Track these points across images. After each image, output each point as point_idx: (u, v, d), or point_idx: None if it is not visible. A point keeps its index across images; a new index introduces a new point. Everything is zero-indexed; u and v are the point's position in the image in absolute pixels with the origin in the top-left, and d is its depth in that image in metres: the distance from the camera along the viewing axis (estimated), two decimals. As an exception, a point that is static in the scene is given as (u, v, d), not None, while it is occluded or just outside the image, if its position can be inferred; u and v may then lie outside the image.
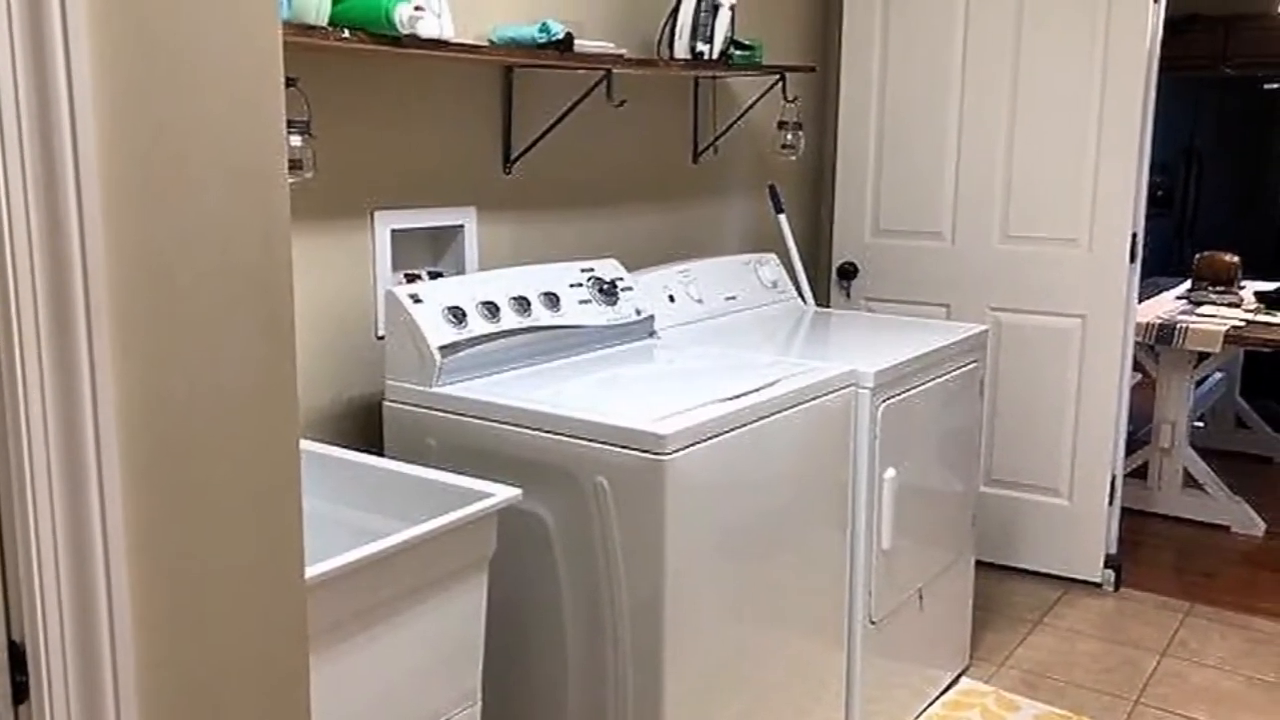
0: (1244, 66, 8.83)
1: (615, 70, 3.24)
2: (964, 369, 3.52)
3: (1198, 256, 5.85)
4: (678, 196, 4.07)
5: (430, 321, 2.78)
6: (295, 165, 2.54)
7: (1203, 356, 5.27)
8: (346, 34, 2.54)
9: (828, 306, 4.72)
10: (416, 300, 2.79)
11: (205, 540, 1.42)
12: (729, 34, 3.64)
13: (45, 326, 1.24)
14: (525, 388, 2.78)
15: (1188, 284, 5.90)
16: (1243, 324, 5.07)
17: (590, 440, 2.52)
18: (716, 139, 4.16)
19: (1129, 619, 4.29)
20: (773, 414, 2.74)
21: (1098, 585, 4.53)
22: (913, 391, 3.24)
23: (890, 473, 3.15)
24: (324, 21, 2.51)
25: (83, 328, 1.26)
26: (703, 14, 3.57)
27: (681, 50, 3.59)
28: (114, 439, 1.31)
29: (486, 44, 3.08)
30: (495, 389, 2.76)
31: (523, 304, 2.98)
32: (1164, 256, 8.32)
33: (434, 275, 3.15)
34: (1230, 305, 5.46)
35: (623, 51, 3.28)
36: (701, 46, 3.58)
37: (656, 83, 3.89)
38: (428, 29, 2.65)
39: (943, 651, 3.72)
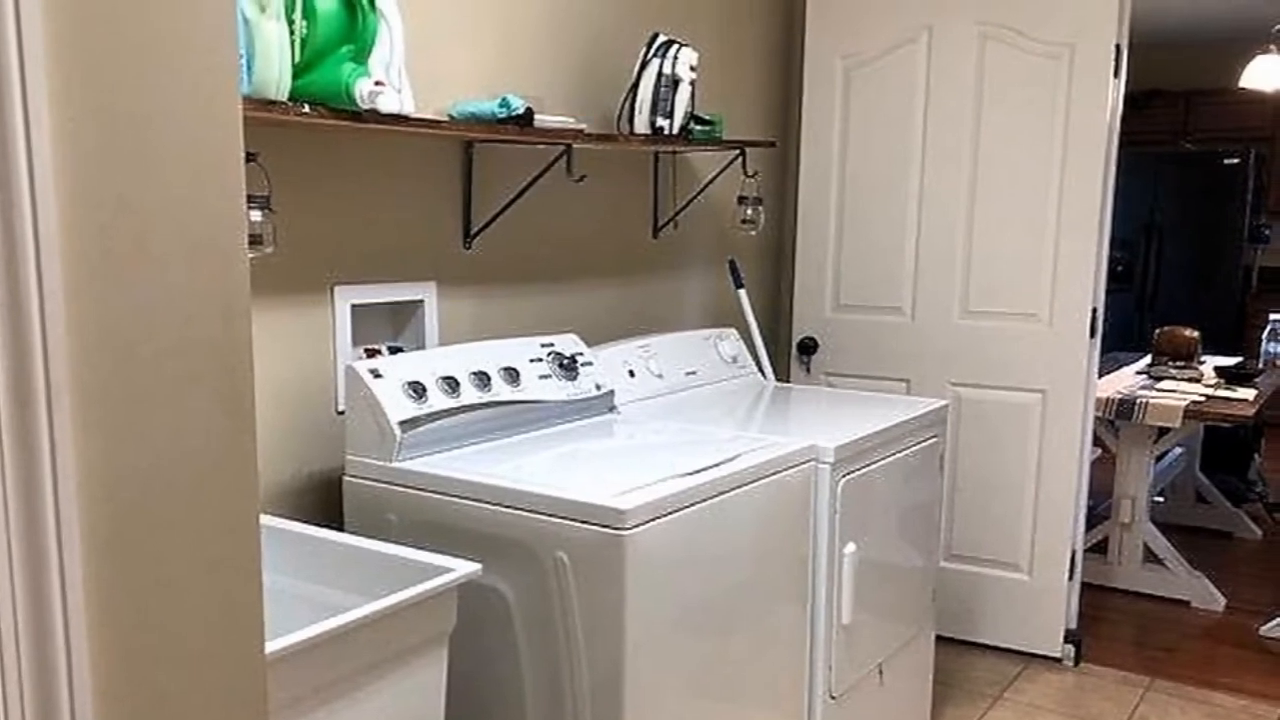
0: (1204, 141, 8.98)
1: (575, 145, 3.27)
2: (924, 444, 3.53)
3: (1158, 331, 5.90)
4: (638, 271, 4.09)
5: (390, 397, 2.78)
6: (255, 240, 2.54)
7: (1163, 431, 5.30)
8: (307, 109, 2.55)
9: (788, 381, 4.74)
10: (377, 375, 2.79)
11: (165, 615, 1.41)
12: (689, 109, 3.67)
13: (5, 402, 1.24)
14: (485, 463, 2.77)
15: (1148, 359, 5.95)
16: (1203, 399, 5.11)
17: (550, 515, 2.51)
18: (676, 214, 4.19)
19: (1089, 694, 4.29)
20: (733, 489, 2.74)
21: (1058, 660, 4.53)
22: (873, 466, 3.25)
23: (850, 547, 3.15)
24: (284, 96, 2.52)
25: (43, 403, 1.26)
26: (663, 89, 3.60)
27: (642, 125, 3.61)
28: (74, 514, 1.30)
29: (447, 119, 3.09)
30: (455, 464, 2.76)
31: (483, 379, 2.98)
32: (1124, 331, 8.41)
33: (394, 350, 3.15)
34: (1190, 380, 5.50)
35: (583, 126, 3.30)
36: (661, 121, 3.61)
37: (617, 158, 3.92)
38: (388, 104, 2.66)
39: (905, 727, 3.71)
